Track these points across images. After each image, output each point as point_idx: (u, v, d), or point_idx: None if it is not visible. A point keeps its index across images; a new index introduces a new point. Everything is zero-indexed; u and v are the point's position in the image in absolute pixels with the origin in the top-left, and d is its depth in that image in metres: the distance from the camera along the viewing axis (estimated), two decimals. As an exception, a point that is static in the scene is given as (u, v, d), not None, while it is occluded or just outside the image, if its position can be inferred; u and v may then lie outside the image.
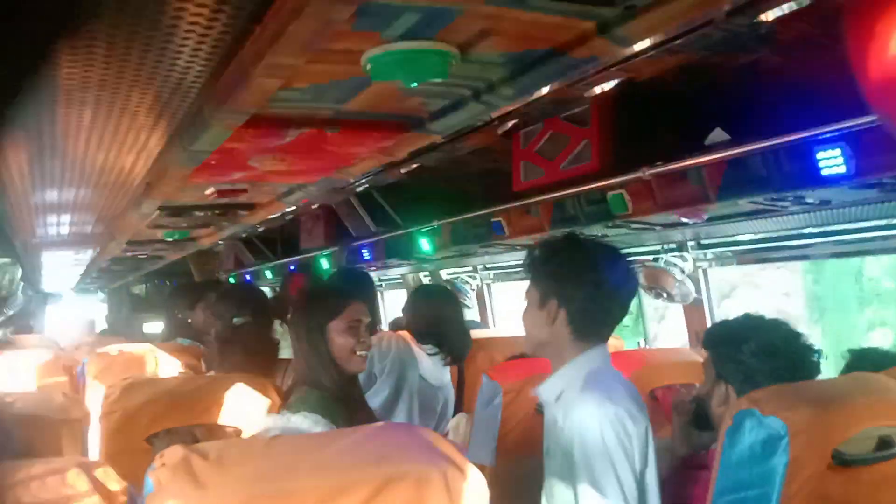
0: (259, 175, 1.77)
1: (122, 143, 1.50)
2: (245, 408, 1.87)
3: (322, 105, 1.25)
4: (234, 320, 2.50)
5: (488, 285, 4.79)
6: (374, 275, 5.54)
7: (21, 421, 1.60)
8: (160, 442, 1.74)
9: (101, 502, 0.92)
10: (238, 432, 1.87)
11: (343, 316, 1.83)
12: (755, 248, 2.89)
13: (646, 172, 2.17)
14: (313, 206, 4.65)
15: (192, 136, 1.31)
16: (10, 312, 4.82)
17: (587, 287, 1.62)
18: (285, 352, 2.83)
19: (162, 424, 1.82)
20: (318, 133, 1.37)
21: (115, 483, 0.95)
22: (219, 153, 1.42)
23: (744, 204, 2.17)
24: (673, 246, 3.01)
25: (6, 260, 2.64)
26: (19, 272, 3.52)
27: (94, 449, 1.82)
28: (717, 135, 2.06)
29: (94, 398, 1.92)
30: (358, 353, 1.83)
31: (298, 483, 1.01)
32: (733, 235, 2.82)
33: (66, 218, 2.21)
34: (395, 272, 5.36)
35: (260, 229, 5.41)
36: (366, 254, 4.55)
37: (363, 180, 3.56)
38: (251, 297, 2.70)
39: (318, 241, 4.93)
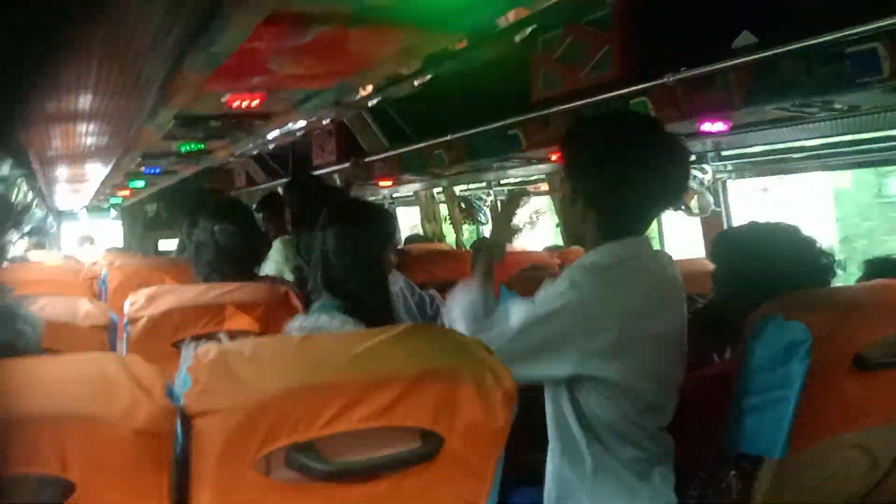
0: (277, 80, 1.73)
1: (138, 47, 1.47)
2: (268, 314, 1.89)
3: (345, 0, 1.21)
4: (215, 228, 2.49)
5: (502, 201, 4.77)
6: (385, 191, 5.54)
7: (49, 326, 1.62)
8: (186, 347, 1.77)
9: (139, 392, 0.94)
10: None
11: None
12: (776, 159, 2.84)
13: (670, 78, 2.12)
14: (325, 122, 4.60)
15: (211, 36, 1.27)
16: (27, 228, 4.85)
17: (612, 182, 1.48)
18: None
19: (186, 331, 1.85)
20: (340, 30, 1.33)
21: (151, 376, 0.97)
22: (237, 55, 1.39)
23: (769, 111, 2.13)
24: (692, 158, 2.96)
25: (20, 172, 2.63)
26: (34, 186, 3.52)
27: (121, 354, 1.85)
28: (745, 38, 2.00)
29: (117, 308, 1.94)
30: None
31: (334, 377, 1.03)
32: (753, 146, 2.78)
33: (81, 128, 2.19)
34: (407, 188, 5.34)
35: (272, 147, 5.39)
36: (378, 169, 4.52)
37: (375, 95, 3.51)
38: (231, 208, 2.69)
39: (330, 158, 4.91)
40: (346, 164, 4.52)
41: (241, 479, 0.98)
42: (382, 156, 4.31)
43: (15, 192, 2.95)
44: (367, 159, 4.45)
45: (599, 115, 2.00)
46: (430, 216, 5.31)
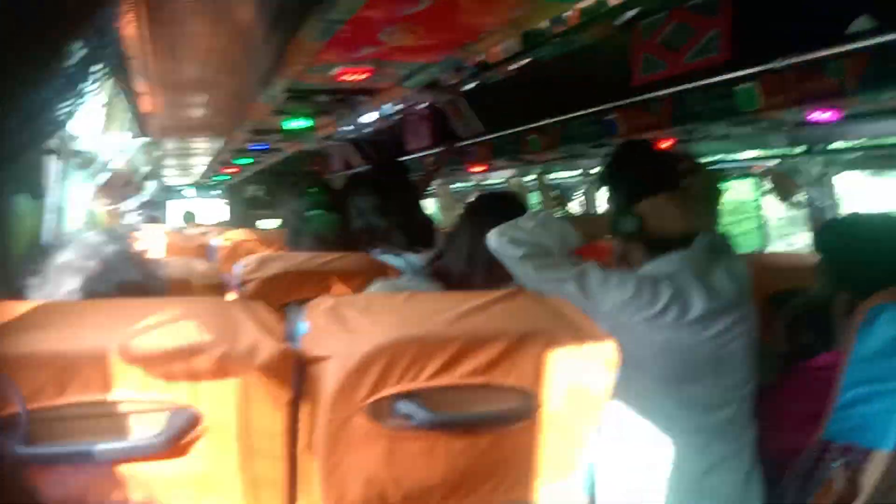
0: (386, 52, 1.78)
1: (257, 16, 1.54)
2: (368, 283, 1.95)
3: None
4: (307, 213, 2.57)
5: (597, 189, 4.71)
6: (476, 178, 5.56)
7: (171, 283, 1.73)
8: (293, 311, 1.85)
9: (262, 333, 1.00)
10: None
11: None
12: (889, 154, 2.72)
13: (780, 63, 2.06)
14: (420, 107, 4.67)
15: (330, 2, 1.33)
16: (145, 199, 5.12)
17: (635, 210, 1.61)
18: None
19: (292, 295, 1.94)
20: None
21: (273, 320, 1.03)
22: (351, 24, 1.44)
23: (884, 100, 2.04)
24: (800, 149, 2.86)
25: (142, 140, 2.79)
26: (152, 155, 3.73)
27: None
28: (862, 23, 1.92)
29: (227, 273, 2.05)
30: None
31: (440, 331, 1.07)
32: (864, 138, 2.66)
33: (196, 99, 2.31)
34: (498, 175, 5.35)
35: (367, 130, 5.51)
36: (471, 154, 4.55)
37: (472, 80, 3.54)
38: (324, 191, 2.76)
39: (424, 142, 4.96)
40: (440, 149, 4.57)
41: (350, 423, 1.03)
42: (476, 140, 4.34)
43: (135, 161, 3.14)
44: (460, 143, 4.48)
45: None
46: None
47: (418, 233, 2.30)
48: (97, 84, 1.29)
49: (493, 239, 1.61)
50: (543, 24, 2.29)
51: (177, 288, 1.78)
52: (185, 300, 1.10)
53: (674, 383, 1.57)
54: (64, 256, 1.18)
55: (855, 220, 1.77)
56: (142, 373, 0.93)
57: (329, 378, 1.02)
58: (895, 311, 1.40)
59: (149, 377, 0.94)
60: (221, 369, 0.96)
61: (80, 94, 1.30)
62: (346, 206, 2.88)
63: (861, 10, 1.93)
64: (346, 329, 1.05)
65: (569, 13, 2.54)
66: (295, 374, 1.03)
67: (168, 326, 1.01)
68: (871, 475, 1.41)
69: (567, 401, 1.11)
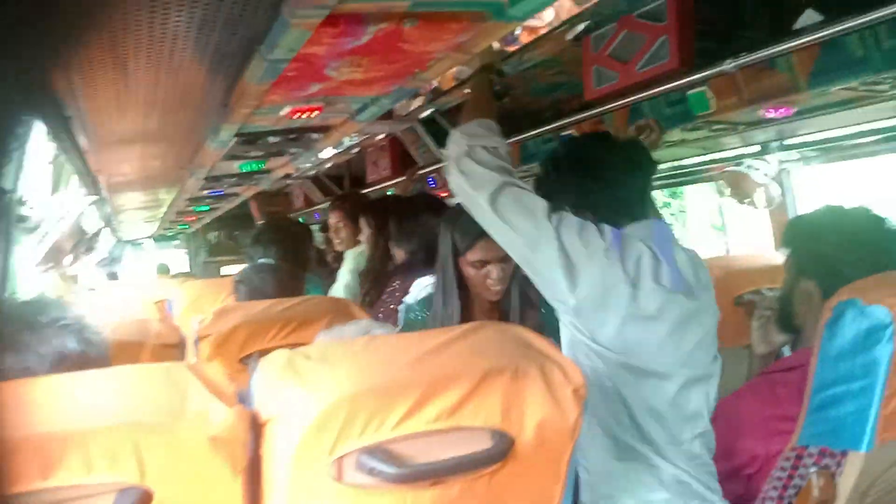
0: (334, 88, 1.75)
1: (199, 62, 1.51)
2: (332, 325, 1.90)
3: (399, -6, 1.22)
4: (259, 261, 2.49)
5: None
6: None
7: (121, 347, 1.66)
8: (254, 362, 1.79)
9: (211, 395, 0.94)
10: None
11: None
12: (843, 145, 2.73)
13: (730, 65, 2.06)
14: (378, 138, 4.65)
15: (271, 42, 1.29)
16: (97, 257, 5.02)
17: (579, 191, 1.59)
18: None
19: (254, 346, 1.88)
20: (396, 29, 1.33)
21: (223, 381, 0.98)
22: (296, 62, 1.41)
23: (835, 93, 2.05)
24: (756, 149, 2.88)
25: (94, 198, 2.73)
26: (104, 212, 3.65)
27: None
28: (809, 16, 1.93)
29: (186, 328, 1.99)
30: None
31: (401, 377, 1.02)
32: (819, 132, 2.68)
33: (148, 150, 2.26)
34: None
35: (327, 167, 5.47)
36: (433, 181, 4.53)
37: (429, 106, 3.52)
38: (279, 235, 2.70)
39: (384, 173, 4.94)
40: (402, 179, 4.54)
41: (313, 484, 0.98)
42: (437, 167, 4.32)
43: (86, 219, 3.07)
44: (421, 171, 4.46)
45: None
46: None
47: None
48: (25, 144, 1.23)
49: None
50: (495, 45, 2.27)
51: (132, 351, 1.72)
52: (126, 370, 1.03)
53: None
54: None
55: (823, 215, 1.75)
56: (82, 455, 0.86)
57: (287, 438, 0.97)
58: (861, 306, 1.38)
59: (91, 458, 0.87)
60: (170, 441, 0.90)
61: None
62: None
63: (804, 4, 1.94)
64: (302, 384, 0.99)
65: (519, 31, 2.53)
66: (252, 434, 0.98)
67: (110, 400, 0.95)
68: (848, 478, 1.38)
69: (539, 436, 1.07)
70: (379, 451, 0.98)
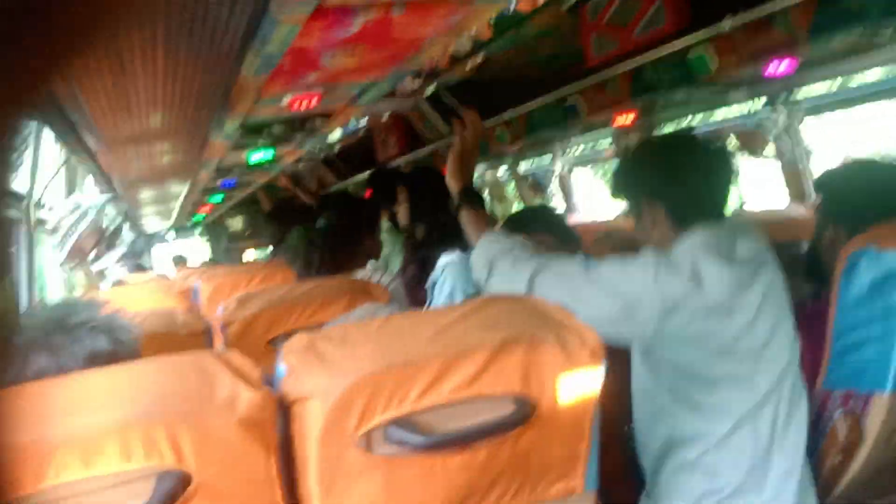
0: (332, 75, 1.76)
1: (195, 60, 1.53)
2: (353, 304, 1.93)
3: (385, -17, 1.23)
4: (317, 223, 2.52)
5: (569, 171, 4.72)
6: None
7: (149, 338, 1.70)
8: (282, 343, 1.82)
9: (238, 383, 0.98)
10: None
11: None
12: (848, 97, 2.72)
13: (727, 24, 2.06)
14: (385, 118, 4.66)
15: (263, 38, 1.31)
16: (120, 252, 5.09)
17: (671, 185, 1.57)
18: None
19: (279, 329, 1.92)
20: (384, 17, 1.34)
21: (248, 367, 1.02)
22: (290, 55, 1.43)
23: (836, 45, 2.04)
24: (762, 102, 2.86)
25: (107, 196, 2.76)
26: (121, 208, 3.69)
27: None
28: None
29: (211, 316, 2.03)
30: None
31: (419, 352, 1.05)
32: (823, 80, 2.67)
33: (156, 147, 2.29)
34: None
35: (337, 148, 5.49)
36: (441, 156, 4.54)
37: (430, 82, 3.53)
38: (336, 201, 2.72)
39: (392, 151, 4.96)
40: (410, 155, 4.56)
41: (343, 458, 1.02)
42: (443, 142, 4.33)
43: (104, 217, 3.10)
44: (427, 147, 4.48)
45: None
46: (499, 197, 5.31)
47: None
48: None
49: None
50: (490, 20, 2.28)
51: (159, 341, 1.76)
52: (157, 361, 1.07)
53: None
54: (29, 333, 1.16)
55: (854, 167, 1.79)
56: (120, 446, 0.91)
57: (314, 417, 1.01)
58: (876, 252, 1.39)
59: (128, 448, 0.91)
60: (202, 427, 0.94)
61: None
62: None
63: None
64: (324, 366, 1.03)
65: (513, 5, 2.53)
66: (280, 416, 1.02)
67: (143, 393, 0.99)
68: (874, 419, 1.41)
69: (559, 398, 1.10)
70: (405, 423, 1.02)
